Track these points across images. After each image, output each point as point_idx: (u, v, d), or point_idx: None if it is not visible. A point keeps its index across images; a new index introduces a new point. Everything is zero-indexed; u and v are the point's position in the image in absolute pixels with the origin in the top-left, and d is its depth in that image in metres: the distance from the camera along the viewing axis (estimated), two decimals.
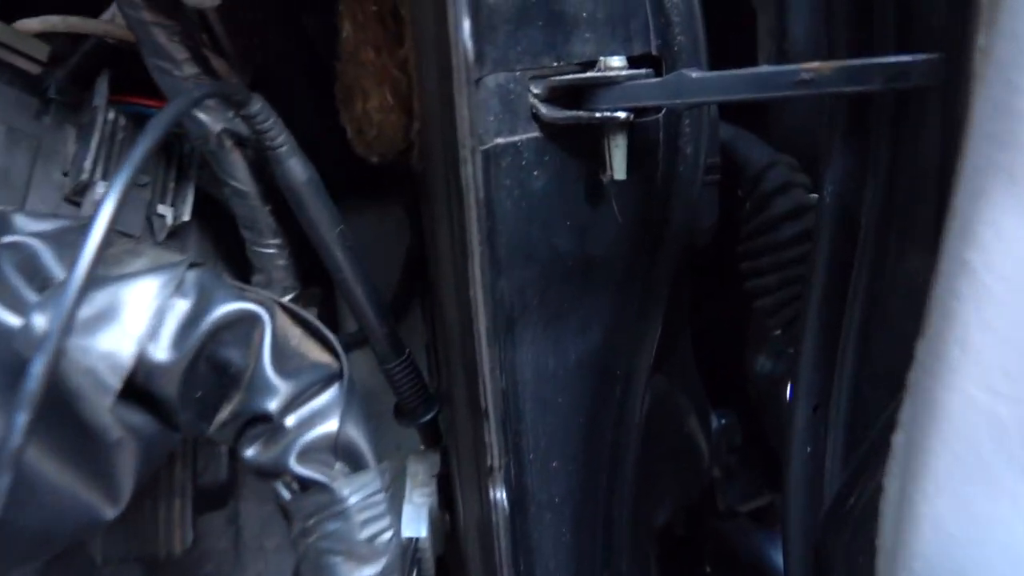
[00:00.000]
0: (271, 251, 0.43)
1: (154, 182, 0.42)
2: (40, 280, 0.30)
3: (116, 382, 0.28)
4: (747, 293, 0.47)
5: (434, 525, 0.48)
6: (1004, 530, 0.22)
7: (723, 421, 0.51)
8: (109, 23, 0.44)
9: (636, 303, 0.42)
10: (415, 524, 0.46)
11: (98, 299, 0.28)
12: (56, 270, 0.30)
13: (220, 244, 0.46)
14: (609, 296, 0.41)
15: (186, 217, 0.40)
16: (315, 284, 0.53)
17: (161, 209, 0.40)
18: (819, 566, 0.36)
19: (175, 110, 0.32)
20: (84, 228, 0.32)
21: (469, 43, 0.33)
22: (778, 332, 0.46)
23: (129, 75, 0.42)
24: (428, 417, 0.47)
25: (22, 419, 0.25)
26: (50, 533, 0.29)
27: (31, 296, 0.28)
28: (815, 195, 0.44)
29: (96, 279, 0.28)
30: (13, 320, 0.28)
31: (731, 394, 0.51)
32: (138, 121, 0.44)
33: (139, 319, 0.29)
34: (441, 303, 0.43)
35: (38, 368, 0.25)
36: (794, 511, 0.39)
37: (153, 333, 0.30)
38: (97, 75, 0.42)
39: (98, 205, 0.27)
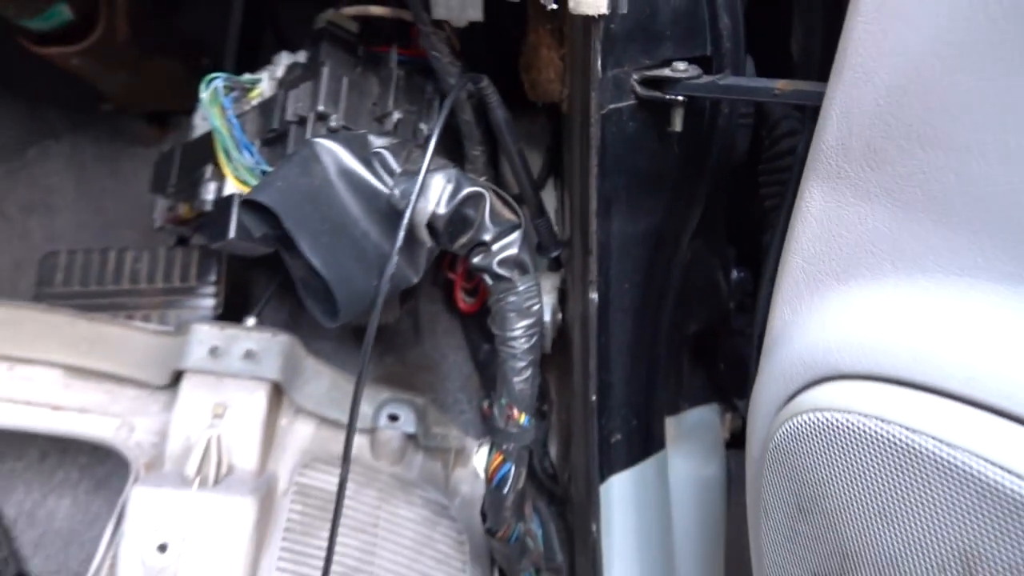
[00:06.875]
0: (477, 152, 0.82)
1: (418, 111, 0.82)
2: (388, 169, 0.71)
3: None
4: (762, 196, 0.83)
5: (552, 317, 0.90)
6: None
7: (740, 274, 0.87)
8: (393, 8, 0.82)
9: (684, 198, 0.79)
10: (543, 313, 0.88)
11: (424, 179, 0.69)
12: (396, 164, 0.70)
13: (451, 152, 0.86)
14: (668, 193, 0.79)
15: (435, 134, 0.80)
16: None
17: (421, 126, 0.80)
18: None
19: (456, 91, 0.71)
20: (401, 144, 0.73)
21: (599, 56, 0.69)
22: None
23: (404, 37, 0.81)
24: (555, 253, 0.88)
25: (399, 243, 0.66)
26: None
27: (389, 178, 0.69)
28: None
29: (421, 169, 0.69)
30: (384, 189, 0.69)
31: (750, 257, 0.87)
32: (409, 69, 0.83)
33: (436, 193, 0.70)
34: (570, 188, 0.82)
35: (407, 213, 0.67)
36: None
37: (438, 200, 0.71)
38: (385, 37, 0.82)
39: (428, 136, 0.67)
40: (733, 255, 0.88)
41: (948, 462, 0.46)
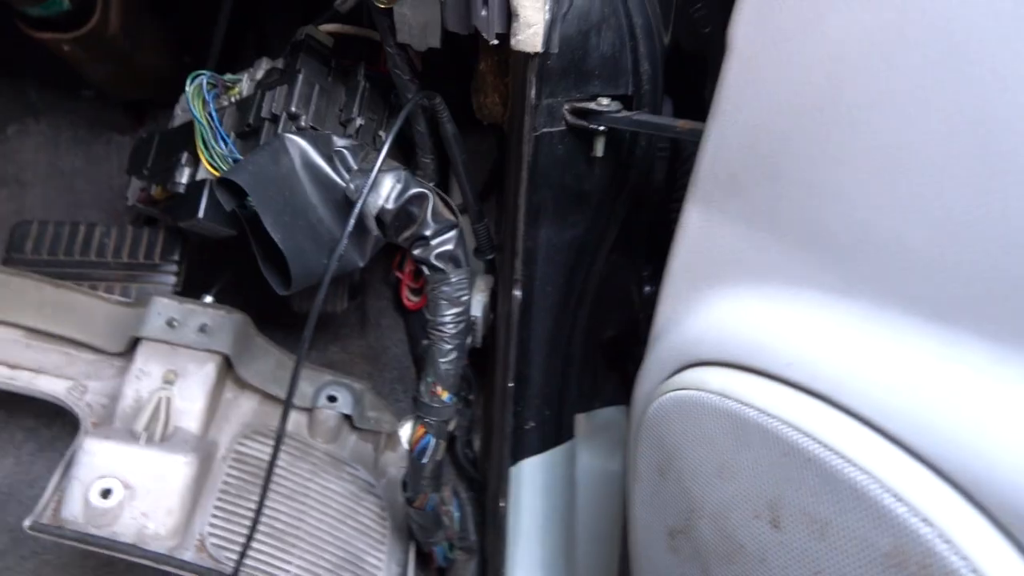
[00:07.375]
0: (427, 160, 0.95)
1: (379, 120, 0.95)
2: (347, 166, 0.83)
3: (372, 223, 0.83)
4: (673, 221, 0.97)
5: (484, 313, 1.02)
6: None
7: (651, 289, 1.01)
8: (364, 28, 0.95)
9: (605, 215, 0.93)
10: (475, 309, 1.00)
11: (377, 178, 0.81)
12: (354, 162, 0.83)
13: (406, 158, 0.99)
14: (590, 210, 0.92)
15: (388, 139, 0.93)
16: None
17: (380, 133, 0.93)
18: None
19: (410, 104, 0.84)
20: (360, 146, 0.86)
21: (534, 88, 0.83)
22: None
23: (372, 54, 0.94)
24: (491, 256, 1.00)
25: (349, 229, 0.78)
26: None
27: (347, 173, 0.82)
28: None
29: (374, 168, 0.81)
30: (341, 182, 0.81)
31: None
32: (374, 82, 0.96)
33: (386, 191, 0.82)
34: (506, 198, 0.95)
35: (359, 204, 0.79)
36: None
37: (387, 196, 0.83)
38: (356, 53, 0.95)
39: (383, 140, 0.80)
40: (649, 272, 1.02)
41: (765, 428, 0.59)
